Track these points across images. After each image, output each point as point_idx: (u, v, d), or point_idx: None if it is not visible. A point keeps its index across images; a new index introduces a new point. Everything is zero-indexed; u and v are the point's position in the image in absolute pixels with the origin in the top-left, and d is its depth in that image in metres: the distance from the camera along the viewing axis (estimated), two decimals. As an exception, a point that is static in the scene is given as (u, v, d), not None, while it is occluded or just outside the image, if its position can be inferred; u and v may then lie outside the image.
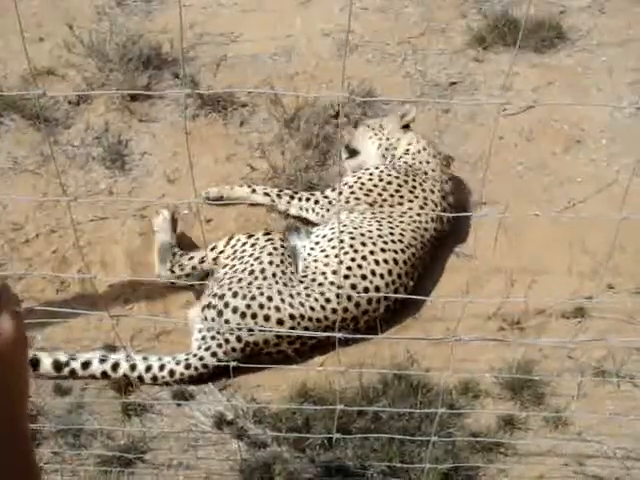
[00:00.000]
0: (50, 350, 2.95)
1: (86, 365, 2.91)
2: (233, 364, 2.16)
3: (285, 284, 2.99)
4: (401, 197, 3.30)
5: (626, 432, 2.82)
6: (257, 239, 3.12)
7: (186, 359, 2.92)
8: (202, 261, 3.17)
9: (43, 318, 2.88)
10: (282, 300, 2.95)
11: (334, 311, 2.95)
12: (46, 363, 2.89)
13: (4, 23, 4.07)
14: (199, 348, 2.95)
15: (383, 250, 3.10)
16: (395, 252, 3.12)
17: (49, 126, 3.77)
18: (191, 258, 3.19)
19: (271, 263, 3.02)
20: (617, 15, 4.50)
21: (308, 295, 2.98)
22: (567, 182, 3.68)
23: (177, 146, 3.77)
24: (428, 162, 3.44)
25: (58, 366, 2.90)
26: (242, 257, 3.08)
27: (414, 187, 3.32)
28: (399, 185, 3.32)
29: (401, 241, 3.15)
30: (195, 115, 3.88)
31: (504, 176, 3.70)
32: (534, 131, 3.89)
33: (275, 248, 3.07)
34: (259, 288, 2.96)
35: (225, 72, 4.10)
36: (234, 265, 3.07)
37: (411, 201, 3.29)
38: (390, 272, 3.08)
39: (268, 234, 3.16)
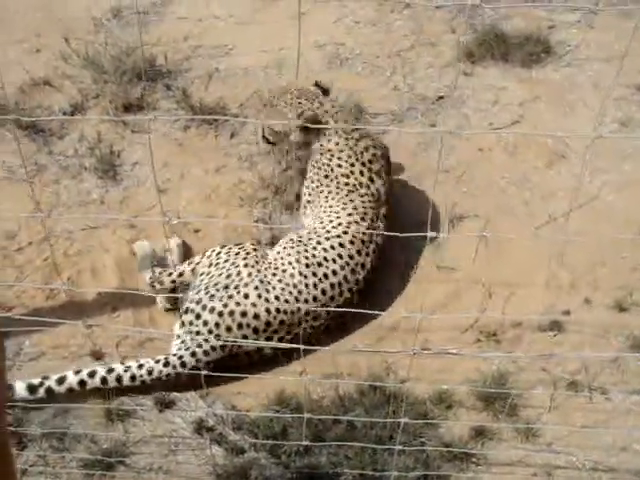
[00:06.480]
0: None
1: (61, 380, 2.93)
2: (204, 373, 2.24)
3: (261, 280, 3.11)
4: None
5: (595, 444, 2.89)
6: (230, 248, 3.27)
7: (165, 357, 3.01)
8: (181, 274, 3.27)
9: (31, 325, 2.98)
10: (259, 296, 3.07)
11: (306, 301, 3.10)
12: (20, 387, 2.89)
13: (2, 34, 4.18)
14: (179, 349, 3.05)
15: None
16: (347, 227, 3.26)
17: (44, 136, 3.87)
18: (170, 274, 3.30)
19: (246, 265, 3.16)
20: (606, 30, 4.57)
21: (282, 289, 3.10)
22: (549, 197, 3.75)
23: (168, 156, 3.87)
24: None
25: (32, 388, 2.90)
26: (217, 264, 3.22)
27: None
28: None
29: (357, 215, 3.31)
30: (186, 127, 3.99)
31: (487, 190, 3.78)
32: (519, 145, 3.97)
33: (248, 252, 3.22)
34: (236, 287, 3.09)
35: (217, 85, 4.20)
36: (210, 272, 3.20)
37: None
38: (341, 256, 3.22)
39: (240, 244, 3.31)
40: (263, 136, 3.56)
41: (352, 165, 3.38)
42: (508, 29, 4.52)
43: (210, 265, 3.23)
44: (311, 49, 4.47)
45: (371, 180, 3.37)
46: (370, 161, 3.40)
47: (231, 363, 3.04)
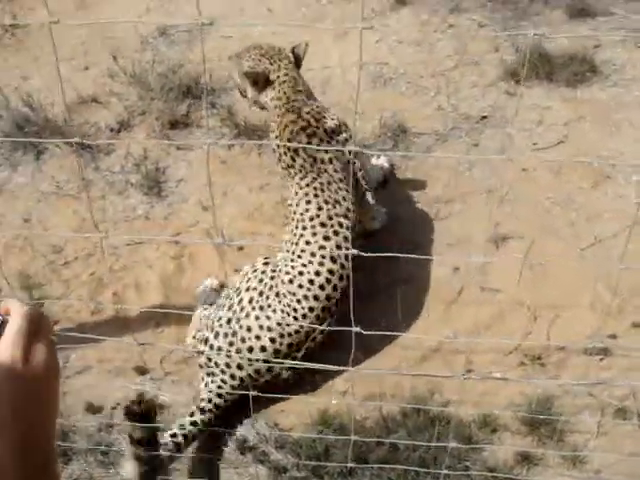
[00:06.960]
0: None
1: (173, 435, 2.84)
2: (253, 393, 2.24)
3: (262, 307, 3.03)
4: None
5: (644, 472, 2.83)
6: (243, 271, 3.21)
7: (201, 408, 2.93)
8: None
9: (77, 339, 3.02)
10: (260, 327, 3.00)
11: (304, 316, 3.01)
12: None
13: (51, 52, 4.25)
14: (207, 392, 3.00)
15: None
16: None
17: (91, 152, 3.94)
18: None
19: (248, 289, 3.09)
20: (652, 50, 4.52)
21: (282, 310, 3.01)
22: (594, 218, 3.70)
23: (212, 174, 3.89)
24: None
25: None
26: (228, 294, 3.17)
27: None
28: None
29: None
30: (231, 144, 4.02)
31: (531, 210, 3.74)
32: (563, 165, 3.93)
33: (255, 270, 3.14)
34: (238, 320, 3.02)
35: (261, 103, 4.23)
36: (220, 303, 3.17)
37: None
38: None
39: (255, 261, 3.22)
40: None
41: (278, 147, 3.23)
42: (552, 48, 4.49)
43: (221, 296, 3.19)
44: (354, 69, 4.48)
45: (293, 159, 3.17)
46: (289, 140, 3.18)
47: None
